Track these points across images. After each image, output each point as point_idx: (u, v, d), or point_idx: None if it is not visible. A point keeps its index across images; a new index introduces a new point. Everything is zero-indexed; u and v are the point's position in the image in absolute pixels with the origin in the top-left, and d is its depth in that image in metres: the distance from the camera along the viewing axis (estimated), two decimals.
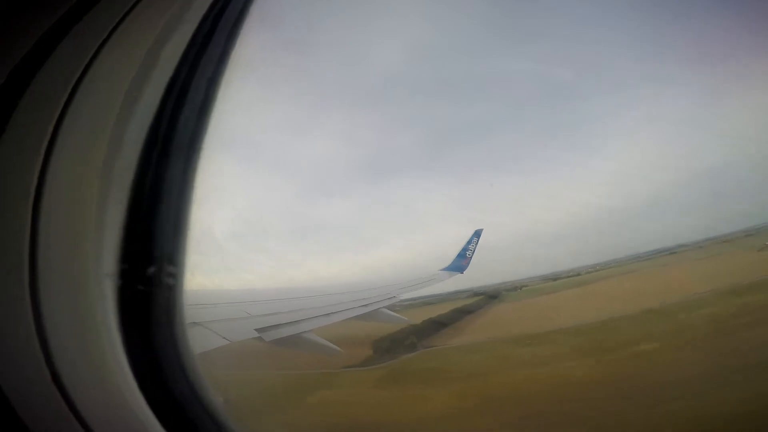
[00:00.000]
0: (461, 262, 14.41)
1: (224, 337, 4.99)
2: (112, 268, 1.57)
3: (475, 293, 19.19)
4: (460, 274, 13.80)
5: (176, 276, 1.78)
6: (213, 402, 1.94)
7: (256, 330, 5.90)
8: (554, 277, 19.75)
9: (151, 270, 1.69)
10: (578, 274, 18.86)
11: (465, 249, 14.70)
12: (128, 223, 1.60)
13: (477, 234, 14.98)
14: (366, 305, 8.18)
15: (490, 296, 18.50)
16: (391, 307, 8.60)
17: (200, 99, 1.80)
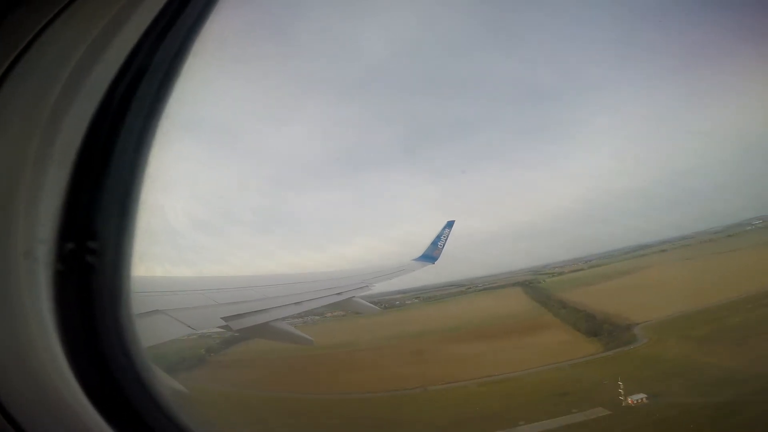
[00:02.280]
0: (433, 252, 14.47)
1: (189, 326, 4.80)
2: (46, 250, 1.41)
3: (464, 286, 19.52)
4: (432, 265, 13.87)
5: (121, 261, 1.63)
6: (161, 392, 1.82)
7: (222, 318, 5.70)
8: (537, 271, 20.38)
9: (92, 253, 1.53)
10: (581, 269, 19.45)
11: (437, 240, 14.76)
12: (67, 202, 1.44)
13: (449, 225, 15.06)
14: (338, 294, 8.07)
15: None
16: (365, 297, 8.55)
17: (159, 80, 1.66)
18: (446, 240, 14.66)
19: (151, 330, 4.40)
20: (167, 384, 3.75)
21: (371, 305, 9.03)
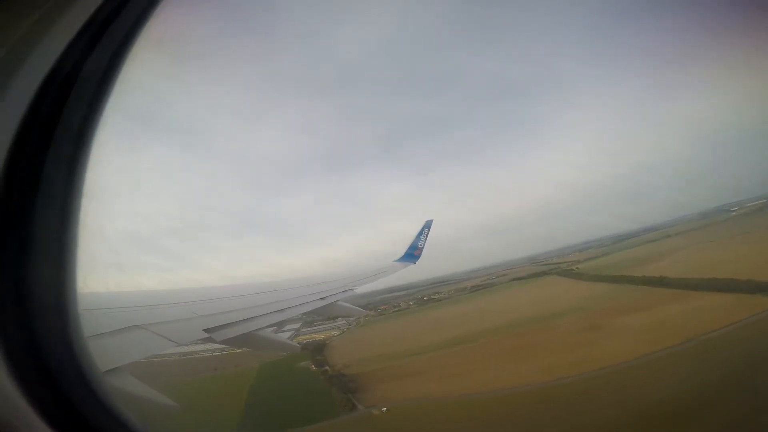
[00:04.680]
0: (414, 252, 14.53)
1: (170, 340, 4.63)
2: None
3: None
4: (413, 265, 13.91)
5: (64, 276, 1.56)
6: (113, 401, 1.77)
7: (204, 330, 5.54)
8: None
9: (29, 272, 1.45)
10: (596, 256, 19.32)
11: (417, 240, 14.84)
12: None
13: (428, 225, 15.18)
14: (322, 298, 7.97)
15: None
16: (348, 299, 8.47)
17: (97, 80, 1.56)
18: (426, 239, 14.76)
19: (131, 346, 4.23)
20: (148, 397, 3.60)
21: (357, 308, 8.97)
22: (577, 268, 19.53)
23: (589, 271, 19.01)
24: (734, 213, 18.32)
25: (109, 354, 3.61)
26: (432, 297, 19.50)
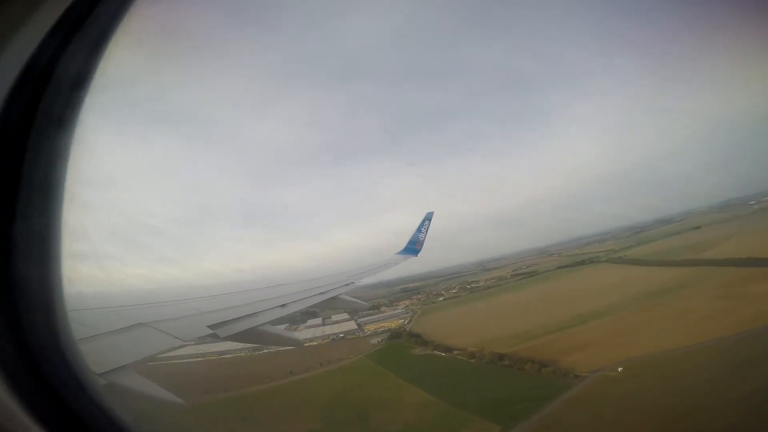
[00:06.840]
0: (415, 245, 14.54)
1: (176, 337, 4.64)
2: None
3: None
4: (415, 257, 13.93)
5: (49, 274, 1.53)
6: (99, 393, 1.76)
7: (209, 326, 5.55)
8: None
9: (15, 271, 1.43)
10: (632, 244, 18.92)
11: (418, 232, 14.84)
12: None
13: (428, 217, 15.16)
14: (323, 293, 7.99)
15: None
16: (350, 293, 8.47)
17: (74, 74, 1.53)
18: (426, 232, 14.76)
19: (136, 344, 4.23)
20: (158, 397, 3.60)
21: (360, 301, 8.99)
22: (625, 255, 19.39)
23: (647, 257, 18.96)
24: (756, 206, 18.60)
25: (115, 352, 3.61)
26: (472, 285, 19.45)
